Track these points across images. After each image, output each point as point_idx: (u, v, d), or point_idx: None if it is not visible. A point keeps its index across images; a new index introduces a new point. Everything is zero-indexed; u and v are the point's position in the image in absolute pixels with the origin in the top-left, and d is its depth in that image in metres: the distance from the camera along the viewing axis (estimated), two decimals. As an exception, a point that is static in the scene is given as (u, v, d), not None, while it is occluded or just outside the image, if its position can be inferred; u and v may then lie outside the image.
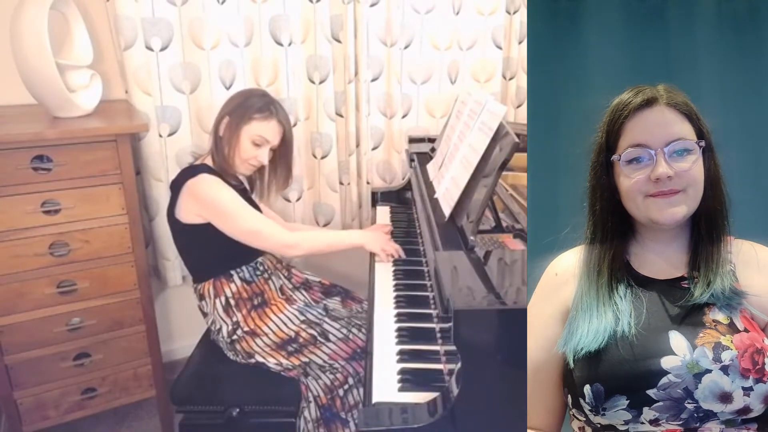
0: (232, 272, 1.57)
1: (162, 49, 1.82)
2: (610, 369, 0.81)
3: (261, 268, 1.63)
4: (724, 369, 0.77)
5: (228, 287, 1.57)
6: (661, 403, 0.78)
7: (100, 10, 1.78)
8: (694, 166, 0.84)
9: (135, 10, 1.73)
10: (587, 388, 0.82)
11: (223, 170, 1.56)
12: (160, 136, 1.88)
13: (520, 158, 1.54)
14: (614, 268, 0.87)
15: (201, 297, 1.61)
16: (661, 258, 0.89)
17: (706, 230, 0.87)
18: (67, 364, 1.67)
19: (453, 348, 0.97)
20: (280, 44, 1.97)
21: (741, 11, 1.36)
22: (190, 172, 1.53)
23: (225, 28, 1.90)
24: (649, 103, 0.85)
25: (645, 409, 0.79)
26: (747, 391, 0.77)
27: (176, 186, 1.53)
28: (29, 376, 1.63)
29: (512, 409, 0.93)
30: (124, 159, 1.58)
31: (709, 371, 0.77)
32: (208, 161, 1.58)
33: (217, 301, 1.57)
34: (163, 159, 1.90)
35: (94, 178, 1.56)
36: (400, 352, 1.23)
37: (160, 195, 1.91)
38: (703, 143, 0.84)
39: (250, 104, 1.53)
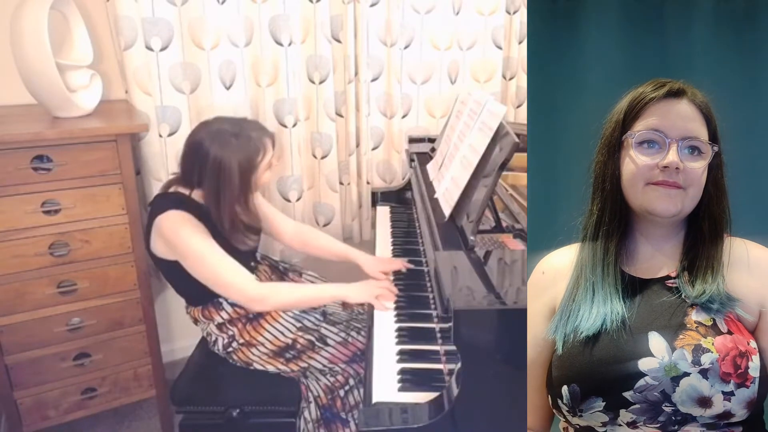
0: (221, 300, 1.50)
1: (162, 49, 1.82)
2: (587, 369, 0.80)
3: None
4: (703, 372, 0.75)
5: (218, 315, 1.52)
6: (637, 406, 0.77)
7: (100, 10, 1.78)
8: (701, 169, 0.84)
9: (135, 10, 1.73)
10: (564, 389, 0.81)
11: (231, 226, 1.43)
12: (160, 136, 1.88)
13: (520, 158, 1.54)
14: (620, 249, 0.87)
15: (195, 321, 1.58)
16: (648, 256, 0.88)
17: (708, 233, 0.86)
18: (67, 364, 1.67)
19: (453, 348, 0.97)
20: (280, 44, 1.96)
21: (739, 12, 1.36)
22: (160, 204, 1.43)
23: (225, 28, 1.90)
24: (677, 94, 0.85)
25: (622, 411, 0.78)
26: (728, 395, 0.75)
27: (151, 215, 1.44)
28: (29, 376, 1.63)
29: (512, 409, 0.93)
30: (124, 159, 1.58)
31: (687, 374, 0.76)
32: (184, 190, 1.45)
33: (211, 323, 1.54)
34: (163, 159, 1.90)
35: (94, 178, 1.56)
36: (400, 352, 1.23)
37: (160, 195, 1.91)
38: (716, 148, 0.85)
39: (251, 149, 1.41)
